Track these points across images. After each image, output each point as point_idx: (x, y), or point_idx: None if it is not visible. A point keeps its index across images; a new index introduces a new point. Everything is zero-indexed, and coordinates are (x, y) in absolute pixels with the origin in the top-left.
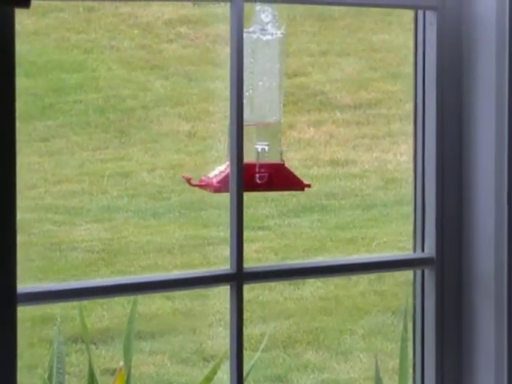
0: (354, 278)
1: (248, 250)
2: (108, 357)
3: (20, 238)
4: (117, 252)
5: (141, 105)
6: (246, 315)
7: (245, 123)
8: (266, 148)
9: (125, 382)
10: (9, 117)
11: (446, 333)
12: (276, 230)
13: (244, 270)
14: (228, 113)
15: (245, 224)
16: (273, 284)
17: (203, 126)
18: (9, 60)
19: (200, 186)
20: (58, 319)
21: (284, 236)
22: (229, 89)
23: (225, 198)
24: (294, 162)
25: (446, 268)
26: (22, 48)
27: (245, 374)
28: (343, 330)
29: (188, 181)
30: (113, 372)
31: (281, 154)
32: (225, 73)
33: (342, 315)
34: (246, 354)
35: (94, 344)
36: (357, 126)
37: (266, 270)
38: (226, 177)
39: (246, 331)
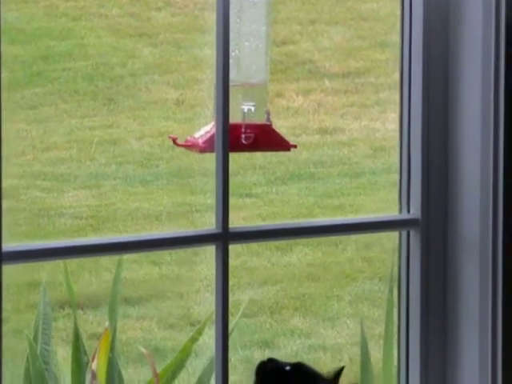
0: (342, 244)
1: (236, 217)
2: (95, 322)
3: (8, 204)
4: (105, 218)
5: (129, 72)
6: (233, 281)
7: (231, 84)
8: (252, 108)
9: (110, 342)
10: None
11: (431, 294)
12: (264, 198)
13: (229, 230)
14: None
15: (232, 191)
16: (260, 250)
17: (192, 94)
18: None
19: (186, 146)
20: (44, 281)
21: (272, 203)
22: (215, 48)
23: (213, 165)
24: (283, 130)
25: (432, 229)
26: (10, 15)
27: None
28: (330, 296)
29: (174, 141)
30: (100, 336)
31: (267, 115)
32: (214, 40)
33: (329, 281)
34: (232, 319)
35: (82, 309)
36: (345, 95)
37: (251, 231)
38: (212, 137)
39: (233, 297)
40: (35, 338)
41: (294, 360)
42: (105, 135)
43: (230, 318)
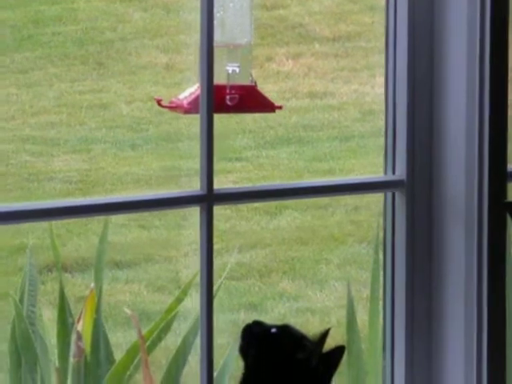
0: (331, 208)
1: (225, 180)
2: (84, 285)
3: None
4: (94, 183)
5: (119, 37)
6: (221, 245)
7: (215, 45)
8: (237, 70)
9: (96, 303)
10: None
11: (417, 255)
12: (253, 162)
13: (214, 192)
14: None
15: (222, 155)
16: (249, 215)
17: (181, 58)
18: None
19: (170, 108)
20: (30, 243)
21: (261, 167)
22: (199, 9)
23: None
24: (273, 94)
25: (417, 190)
26: None
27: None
28: (319, 259)
29: (158, 102)
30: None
31: (251, 76)
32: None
33: (317, 245)
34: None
35: (70, 273)
36: (335, 59)
37: (235, 192)
38: (197, 98)
39: (222, 260)
40: (21, 299)
41: (280, 322)
42: (94, 99)
43: (216, 279)
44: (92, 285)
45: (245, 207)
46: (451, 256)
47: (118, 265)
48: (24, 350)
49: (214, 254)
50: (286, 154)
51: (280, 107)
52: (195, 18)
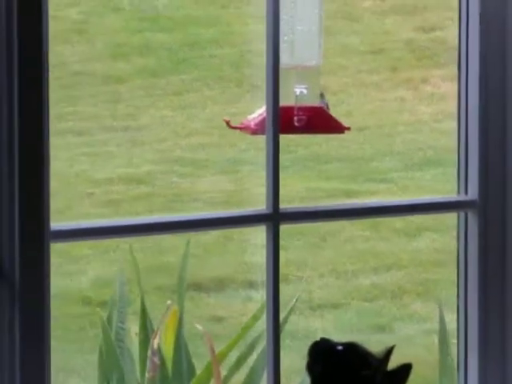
0: None
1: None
2: (218, 305)
3: (145, 190)
4: (238, 204)
5: None
6: (358, 266)
7: (284, 67)
8: (305, 91)
9: (177, 319)
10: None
11: (489, 277)
12: (398, 183)
13: (280, 211)
14: (364, 67)
15: (368, 176)
16: (389, 235)
17: (334, 81)
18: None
19: (239, 129)
20: (121, 260)
21: (406, 188)
22: (265, 31)
23: (350, 151)
24: (425, 116)
25: (489, 211)
26: (160, 3)
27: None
28: (455, 281)
29: (227, 123)
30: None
31: (323, 97)
32: (360, 27)
33: (455, 267)
34: (355, 303)
35: (206, 293)
36: None
37: (301, 211)
38: (263, 119)
39: (357, 281)
40: (110, 317)
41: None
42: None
43: (359, 303)
44: (169, 302)
45: (385, 228)
46: None
47: (252, 285)
48: (110, 366)
49: (350, 275)
50: (431, 175)
51: (348, 128)
52: (353, 41)
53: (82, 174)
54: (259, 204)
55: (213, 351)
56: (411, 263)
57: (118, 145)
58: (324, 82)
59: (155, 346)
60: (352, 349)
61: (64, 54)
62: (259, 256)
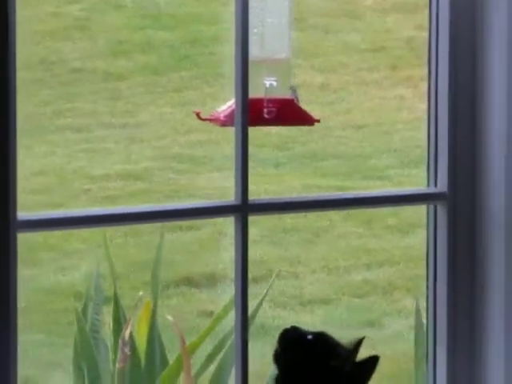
0: None
1: None
2: (209, 300)
3: (142, 186)
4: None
5: None
6: (350, 262)
7: (254, 59)
8: (274, 83)
9: (151, 311)
10: None
11: (458, 268)
12: (394, 180)
13: (248, 202)
14: (364, 64)
15: (365, 174)
16: (381, 233)
17: (336, 78)
18: None
19: (209, 120)
20: (98, 252)
21: (400, 185)
22: (234, 25)
23: (348, 149)
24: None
25: (458, 203)
26: (162, 1)
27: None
28: None
29: (197, 115)
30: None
31: (294, 90)
32: (362, 25)
33: None
34: (346, 299)
35: (198, 288)
36: None
37: (270, 202)
38: (233, 111)
39: (350, 277)
40: (85, 309)
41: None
42: None
43: (349, 299)
44: (140, 293)
45: (377, 225)
46: (493, 269)
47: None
48: (84, 357)
49: (342, 271)
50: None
51: (318, 121)
52: (354, 39)
53: (79, 171)
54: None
55: (183, 341)
56: (403, 259)
57: (116, 141)
58: (324, 79)
59: (126, 337)
60: (322, 338)
61: (64, 51)
62: (252, 251)
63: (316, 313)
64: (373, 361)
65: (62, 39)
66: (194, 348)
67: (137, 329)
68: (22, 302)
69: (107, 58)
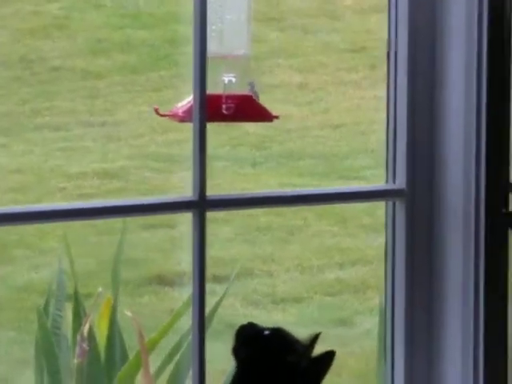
0: None
1: None
2: (180, 299)
3: (118, 185)
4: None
5: (254, 55)
6: (324, 261)
7: (214, 56)
8: (233, 79)
9: (111, 307)
10: None
11: (416, 265)
12: (369, 180)
13: (206, 198)
14: (344, 64)
15: (341, 174)
16: (355, 231)
17: (315, 78)
18: None
19: (167, 116)
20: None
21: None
22: (192, 21)
23: (325, 149)
24: None
25: (417, 200)
26: (141, 0)
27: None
28: None
29: (156, 111)
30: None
31: (252, 86)
32: (341, 26)
33: None
34: (318, 297)
35: (171, 286)
36: None
37: (228, 198)
38: (191, 107)
39: (323, 276)
40: (46, 305)
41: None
42: None
43: (322, 298)
44: (100, 289)
45: (352, 224)
46: (450, 264)
47: (216, 279)
48: (45, 353)
49: (315, 270)
50: None
51: (277, 117)
52: (333, 39)
53: (56, 169)
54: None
55: (141, 336)
56: (376, 259)
57: (94, 140)
58: (303, 79)
59: (85, 332)
60: (278, 334)
61: (43, 49)
62: (225, 250)
63: (288, 311)
64: (329, 356)
65: (42, 37)
66: (154, 344)
67: (97, 324)
68: None
69: (86, 57)
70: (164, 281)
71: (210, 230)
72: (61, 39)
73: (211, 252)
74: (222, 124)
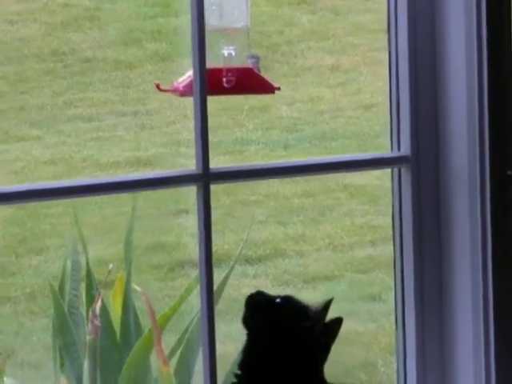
0: None
1: None
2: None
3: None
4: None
5: (286, 40)
6: (355, 239)
7: (213, 29)
8: (233, 53)
9: (124, 284)
10: None
11: (424, 231)
12: None
13: (210, 171)
14: (375, 45)
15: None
16: (386, 209)
17: (347, 59)
18: None
19: (168, 91)
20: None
21: None
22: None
23: (358, 129)
24: None
25: (422, 166)
26: None
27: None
28: None
29: (157, 86)
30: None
31: (256, 59)
32: (372, 6)
33: None
34: (349, 275)
35: None
36: None
37: (232, 170)
38: (191, 81)
39: (353, 253)
40: (61, 285)
41: None
42: (256, 102)
43: (344, 273)
44: (111, 266)
45: (383, 203)
46: (458, 230)
47: (248, 260)
48: (62, 332)
49: (346, 248)
50: None
51: (278, 88)
52: (364, 20)
53: (89, 159)
54: (264, 181)
55: (152, 311)
56: None
57: (126, 129)
58: (335, 61)
59: (97, 309)
60: (290, 301)
61: (75, 41)
62: (258, 232)
63: (319, 289)
64: (338, 322)
65: (73, 30)
66: (167, 319)
67: (111, 300)
68: None
69: (118, 47)
70: (197, 264)
71: (241, 212)
72: (92, 30)
73: (243, 235)
74: (255, 108)
